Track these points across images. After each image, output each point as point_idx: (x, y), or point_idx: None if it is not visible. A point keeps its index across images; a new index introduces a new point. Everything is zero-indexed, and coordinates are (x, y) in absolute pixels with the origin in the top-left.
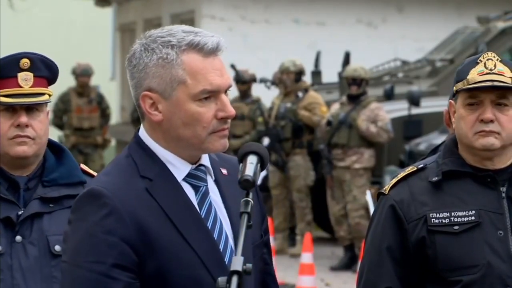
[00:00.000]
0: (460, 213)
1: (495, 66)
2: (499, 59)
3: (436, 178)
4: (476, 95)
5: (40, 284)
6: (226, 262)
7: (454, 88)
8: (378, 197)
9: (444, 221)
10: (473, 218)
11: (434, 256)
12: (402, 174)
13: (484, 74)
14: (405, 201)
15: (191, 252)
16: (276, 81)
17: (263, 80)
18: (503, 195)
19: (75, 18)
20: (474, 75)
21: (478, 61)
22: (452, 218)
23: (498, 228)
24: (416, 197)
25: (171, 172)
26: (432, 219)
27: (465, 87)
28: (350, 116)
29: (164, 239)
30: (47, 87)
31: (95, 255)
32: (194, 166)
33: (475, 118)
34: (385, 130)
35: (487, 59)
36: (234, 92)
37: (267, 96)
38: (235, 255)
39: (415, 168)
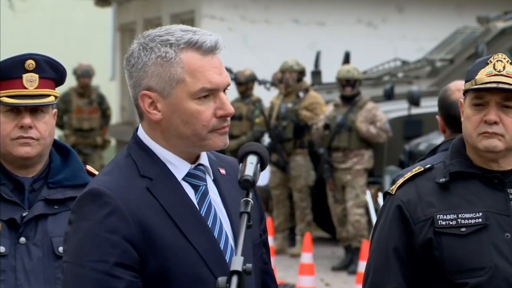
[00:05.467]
0: (467, 215)
1: (504, 68)
2: (510, 61)
3: (444, 179)
4: (482, 96)
5: (44, 286)
6: (227, 261)
7: (463, 87)
8: (385, 197)
9: (451, 223)
10: (480, 220)
11: (441, 258)
12: (409, 174)
13: (492, 76)
14: (412, 201)
15: (193, 250)
16: (276, 82)
17: (262, 82)
18: (511, 196)
19: (75, 18)
20: (482, 75)
21: (488, 61)
22: (459, 220)
23: (505, 230)
24: (423, 198)
25: (171, 172)
26: (439, 221)
27: (471, 87)
28: (348, 119)
29: (165, 238)
30: (53, 89)
31: (97, 254)
32: (193, 165)
33: (480, 119)
34: (384, 130)
35: (497, 60)
36: (234, 93)
37: (267, 96)
38: (235, 255)
39: (422, 169)
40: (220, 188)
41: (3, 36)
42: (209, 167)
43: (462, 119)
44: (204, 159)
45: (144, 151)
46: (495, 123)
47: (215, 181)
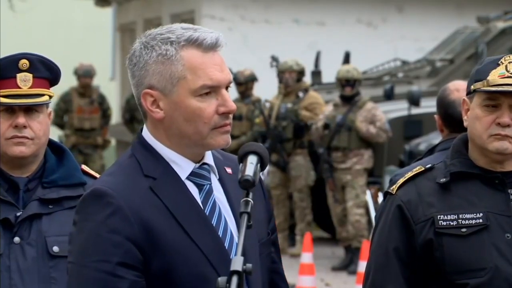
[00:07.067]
0: (468, 216)
1: None
2: None
3: (444, 179)
4: (495, 98)
5: (38, 285)
6: (232, 259)
7: (472, 87)
8: (385, 196)
9: (451, 223)
10: (480, 220)
11: (441, 258)
12: (409, 174)
13: (505, 77)
14: (413, 202)
15: (196, 249)
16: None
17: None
18: (511, 197)
19: (75, 18)
20: (495, 77)
21: (499, 62)
22: (459, 220)
23: (505, 231)
24: (423, 198)
25: (174, 171)
26: (440, 221)
27: (485, 88)
28: (347, 118)
29: (168, 237)
30: (48, 88)
31: (100, 254)
32: (198, 165)
33: (491, 120)
34: (384, 130)
35: (509, 62)
36: (233, 93)
37: (266, 95)
38: (236, 254)
39: (423, 168)
40: (226, 187)
41: (3, 36)
42: (214, 166)
43: (465, 117)
44: (209, 158)
45: (148, 151)
46: (508, 125)
47: (220, 180)
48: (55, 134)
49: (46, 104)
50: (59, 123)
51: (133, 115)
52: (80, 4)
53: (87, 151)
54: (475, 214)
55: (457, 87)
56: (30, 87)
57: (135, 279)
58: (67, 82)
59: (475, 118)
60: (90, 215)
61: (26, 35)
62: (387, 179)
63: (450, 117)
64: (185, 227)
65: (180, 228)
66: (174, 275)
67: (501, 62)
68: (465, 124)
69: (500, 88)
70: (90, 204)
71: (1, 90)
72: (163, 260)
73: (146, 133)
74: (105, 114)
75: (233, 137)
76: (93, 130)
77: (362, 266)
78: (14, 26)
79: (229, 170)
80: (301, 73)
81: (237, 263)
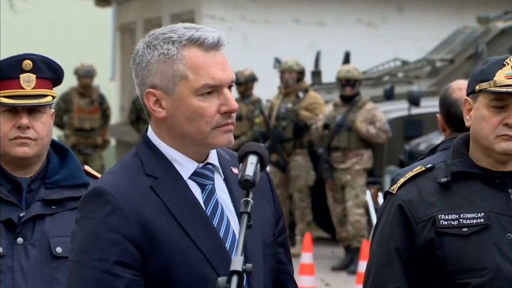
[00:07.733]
0: (469, 215)
1: None
2: None
3: (445, 179)
4: (502, 98)
5: (41, 286)
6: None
7: (477, 87)
8: (385, 196)
9: (452, 223)
10: (482, 220)
11: (442, 258)
12: (410, 174)
13: None
14: (414, 201)
15: (196, 249)
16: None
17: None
18: None
19: (75, 18)
20: (502, 77)
21: (504, 63)
22: (460, 220)
23: (507, 230)
24: (424, 198)
25: (177, 171)
26: (441, 221)
27: (492, 89)
28: (347, 118)
29: (168, 237)
30: (51, 89)
31: (99, 253)
32: (201, 164)
33: (499, 121)
34: (384, 130)
35: None
36: (233, 93)
37: (266, 96)
38: (236, 255)
39: (423, 168)
40: (231, 187)
41: (3, 36)
42: (218, 166)
43: (467, 117)
44: (213, 158)
45: (151, 150)
46: None
47: (225, 180)
48: (55, 134)
49: (49, 105)
50: (59, 123)
51: (139, 115)
52: (80, 4)
53: (87, 151)
54: (476, 214)
55: (460, 86)
56: (34, 88)
57: (132, 277)
58: (67, 82)
59: (481, 118)
60: (90, 213)
61: (26, 35)
62: (387, 179)
63: (453, 117)
64: (185, 227)
65: (179, 228)
66: (173, 274)
67: (507, 62)
68: (467, 124)
69: (510, 89)
70: (90, 202)
71: (4, 91)
72: (162, 260)
73: (151, 133)
74: (105, 114)
75: (233, 137)
76: (93, 130)
77: (362, 266)
78: (14, 26)
79: (235, 170)
80: (301, 73)
81: (237, 263)
